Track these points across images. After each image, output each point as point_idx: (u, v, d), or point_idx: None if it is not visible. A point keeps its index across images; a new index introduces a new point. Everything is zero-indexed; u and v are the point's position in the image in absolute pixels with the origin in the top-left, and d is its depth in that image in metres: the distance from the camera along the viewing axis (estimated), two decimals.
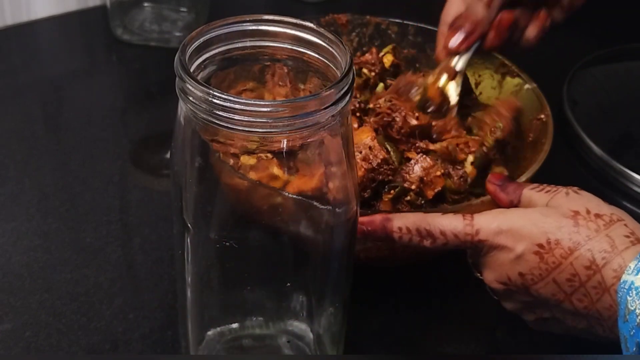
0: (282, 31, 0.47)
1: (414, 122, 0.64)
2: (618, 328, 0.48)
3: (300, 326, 0.56)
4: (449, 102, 0.71)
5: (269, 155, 0.46)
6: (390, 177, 0.62)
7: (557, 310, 0.53)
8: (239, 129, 0.41)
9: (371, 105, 0.67)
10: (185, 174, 0.46)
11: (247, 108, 0.40)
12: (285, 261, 0.51)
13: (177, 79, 0.42)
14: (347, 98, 0.43)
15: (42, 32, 0.98)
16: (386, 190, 0.62)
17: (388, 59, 0.76)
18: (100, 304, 0.63)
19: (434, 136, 0.67)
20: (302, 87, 0.51)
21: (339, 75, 0.43)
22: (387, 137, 0.64)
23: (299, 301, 0.54)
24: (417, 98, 0.70)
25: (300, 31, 0.47)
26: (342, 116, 0.44)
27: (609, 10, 0.94)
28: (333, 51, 0.46)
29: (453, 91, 0.72)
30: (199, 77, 0.44)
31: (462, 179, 0.64)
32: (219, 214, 0.48)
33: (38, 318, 0.61)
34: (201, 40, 0.45)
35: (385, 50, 0.77)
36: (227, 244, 0.48)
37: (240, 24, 0.46)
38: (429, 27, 0.79)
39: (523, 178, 0.61)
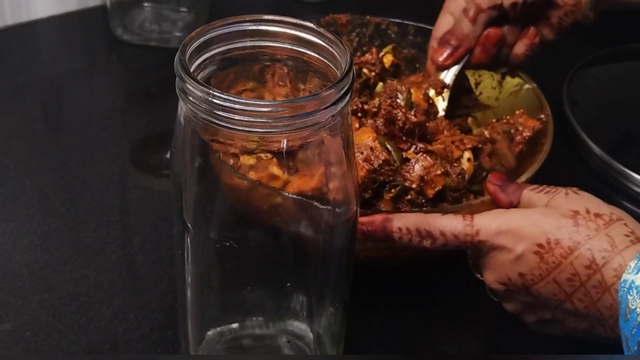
0: (282, 31, 0.47)
1: (413, 118, 0.64)
2: (619, 327, 0.48)
3: (300, 326, 0.56)
4: (435, 111, 0.72)
5: (269, 155, 0.46)
6: (391, 178, 0.62)
7: (558, 311, 0.53)
8: (239, 129, 0.41)
9: (366, 107, 0.68)
10: (185, 174, 0.46)
11: (247, 108, 0.40)
12: (285, 261, 0.51)
13: (177, 79, 0.42)
14: (347, 98, 0.43)
15: (42, 32, 0.98)
16: (387, 189, 0.62)
17: (388, 59, 0.76)
18: (100, 304, 0.63)
19: (428, 136, 0.68)
20: (302, 87, 0.51)
21: (339, 75, 0.43)
22: (388, 135, 0.64)
23: (299, 301, 0.54)
24: (403, 103, 0.70)
25: (300, 31, 0.47)
26: (342, 116, 0.44)
27: (609, 10, 0.94)
28: (333, 51, 0.46)
29: (440, 103, 0.72)
30: (199, 77, 0.44)
31: (460, 176, 0.64)
32: (219, 214, 0.48)
33: (38, 318, 0.61)
34: (201, 40, 0.45)
35: (385, 50, 0.77)
36: (227, 244, 0.48)
37: (240, 24, 0.46)
38: (429, 27, 0.79)
39: (523, 178, 0.61)
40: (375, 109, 0.66)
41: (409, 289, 0.66)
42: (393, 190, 0.62)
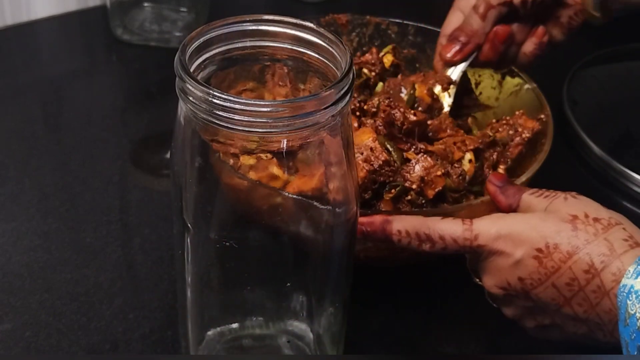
0: (282, 31, 0.47)
1: (412, 117, 0.64)
2: (618, 332, 0.48)
3: (300, 326, 0.56)
4: (440, 106, 0.72)
5: (269, 155, 0.46)
6: (391, 178, 0.62)
7: (557, 316, 0.53)
8: (239, 129, 0.41)
9: (365, 107, 0.68)
10: (185, 174, 0.46)
11: (247, 108, 0.40)
12: (285, 261, 0.51)
13: (177, 79, 0.42)
14: (347, 98, 0.43)
15: (42, 32, 0.98)
16: (387, 189, 0.62)
17: (388, 59, 0.76)
18: (100, 304, 0.63)
19: (430, 134, 0.68)
20: (302, 87, 0.51)
21: (339, 75, 0.43)
22: (389, 135, 0.64)
23: (299, 301, 0.54)
24: (406, 97, 0.70)
25: (300, 31, 0.47)
26: (342, 116, 0.44)
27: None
28: (333, 51, 0.46)
29: (446, 99, 0.72)
30: (199, 77, 0.44)
31: (460, 177, 0.64)
32: (219, 214, 0.48)
33: (38, 318, 0.61)
34: (201, 40, 0.45)
35: (385, 50, 0.77)
36: (227, 244, 0.48)
37: (240, 24, 0.46)
38: (429, 27, 0.79)
39: (523, 178, 0.61)
40: (374, 109, 0.66)
41: (409, 290, 0.66)
42: (393, 191, 0.61)
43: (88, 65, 0.95)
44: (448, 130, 0.68)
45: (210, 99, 0.41)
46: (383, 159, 0.61)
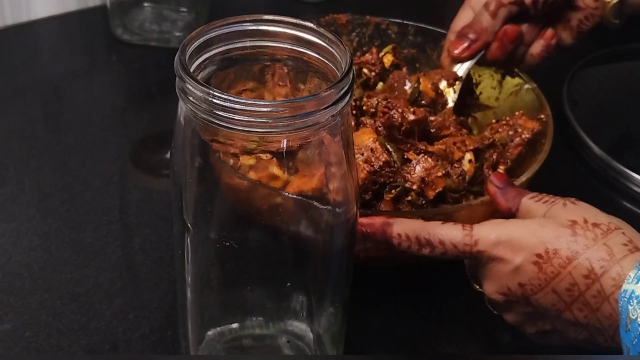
0: (282, 31, 0.47)
1: (411, 116, 0.64)
2: (619, 337, 0.48)
3: (300, 326, 0.56)
4: (444, 102, 0.72)
5: (268, 155, 0.46)
6: (391, 179, 0.62)
7: (558, 322, 0.53)
8: (239, 129, 0.41)
9: (364, 108, 0.67)
10: (185, 174, 0.46)
11: (247, 108, 0.40)
12: (285, 261, 0.51)
13: (177, 79, 0.42)
14: (347, 98, 0.43)
15: (42, 32, 0.98)
16: (387, 189, 0.62)
17: (388, 59, 0.76)
18: (100, 304, 0.63)
19: (433, 130, 0.68)
20: (302, 87, 0.51)
21: (339, 75, 0.43)
22: (389, 137, 0.64)
23: (299, 301, 0.54)
24: (409, 91, 0.70)
25: (300, 31, 0.47)
26: (342, 116, 0.44)
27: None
28: (333, 51, 0.46)
29: (451, 95, 0.72)
30: (199, 77, 0.44)
31: (460, 177, 0.64)
32: (219, 214, 0.48)
33: (38, 318, 0.61)
34: (201, 40, 0.45)
35: (385, 50, 0.77)
36: (227, 244, 0.48)
37: (240, 24, 0.46)
38: (429, 27, 0.79)
39: (523, 178, 0.61)
40: (373, 110, 0.66)
41: (409, 290, 0.66)
42: (393, 191, 0.61)
43: (88, 65, 0.95)
44: (451, 128, 0.68)
45: (210, 99, 0.41)
46: (383, 159, 0.61)
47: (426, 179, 0.62)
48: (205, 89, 0.41)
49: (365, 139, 0.61)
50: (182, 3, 0.97)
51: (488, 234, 0.53)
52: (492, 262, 0.53)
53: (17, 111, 0.84)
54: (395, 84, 0.72)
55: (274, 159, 0.47)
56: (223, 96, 0.40)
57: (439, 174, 0.62)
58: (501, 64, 0.74)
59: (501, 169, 0.68)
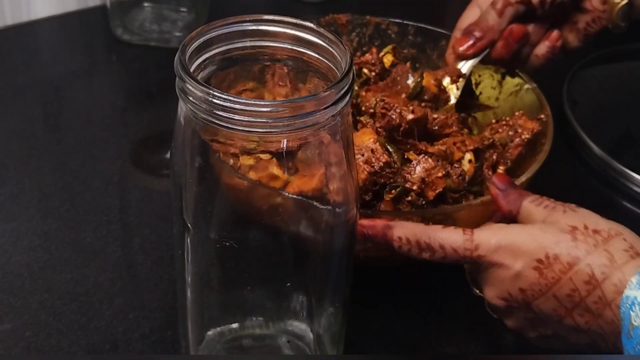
0: (282, 31, 0.47)
1: (410, 116, 0.64)
2: (621, 343, 0.48)
3: (300, 326, 0.56)
4: (446, 98, 0.71)
5: (268, 155, 0.46)
6: (391, 180, 0.62)
7: (559, 327, 0.53)
8: (239, 129, 0.41)
9: (363, 108, 0.67)
10: (185, 174, 0.46)
11: (247, 108, 0.40)
12: (285, 261, 0.51)
13: (177, 79, 0.42)
14: (347, 98, 0.43)
15: (42, 32, 0.98)
16: (387, 190, 0.62)
17: (388, 59, 0.76)
18: (100, 304, 0.63)
19: (435, 128, 0.67)
20: (302, 87, 0.51)
21: (339, 76, 0.43)
22: (389, 138, 0.64)
23: (299, 301, 0.54)
24: (412, 85, 0.70)
25: (300, 31, 0.47)
26: (342, 116, 0.44)
27: None
28: (333, 51, 0.46)
29: (454, 92, 0.72)
30: (199, 77, 0.44)
31: (460, 177, 0.64)
32: (219, 214, 0.48)
33: (38, 318, 0.61)
34: (201, 40, 0.45)
35: (385, 50, 0.77)
36: (227, 244, 0.48)
37: (240, 24, 0.46)
38: (429, 27, 0.79)
39: (523, 178, 0.61)
40: (372, 110, 0.66)
41: (409, 290, 0.66)
42: (393, 191, 0.61)
43: (88, 65, 0.95)
44: (454, 127, 0.68)
45: (210, 99, 0.41)
46: (384, 160, 0.61)
47: (426, 179, 0.62)
48: (205, 89, 0.41)
49: (366, 139, 0.61)
50: (182, 3, 0.97)
51: (488, 238, 0.53)
52: (492, 267, 0.53)
53: (17, 111, 0.84)
54: (398, 78, 0.72)
55: (274, 159, 0.47)
56: (223, 96, 0.40)
57: (439, 174, 0.62)
58: (505, 64, 0.74)
59: (501, 169, 0.68)
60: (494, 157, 0.67)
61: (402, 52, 0.79)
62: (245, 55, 0.47)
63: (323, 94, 0.42)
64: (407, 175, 0.62)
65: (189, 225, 0.48)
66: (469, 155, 0.65)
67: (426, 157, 0.63)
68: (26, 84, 0.89)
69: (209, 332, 0.56)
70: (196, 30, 0.45)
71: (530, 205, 0.55)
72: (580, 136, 0.83)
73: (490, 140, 0.68)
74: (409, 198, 0.62)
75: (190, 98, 0.42)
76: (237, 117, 0.41)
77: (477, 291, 0.57)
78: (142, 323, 0.61)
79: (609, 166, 0.80)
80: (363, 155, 0.61)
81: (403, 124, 0.64)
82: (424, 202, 0.62)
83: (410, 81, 0.71)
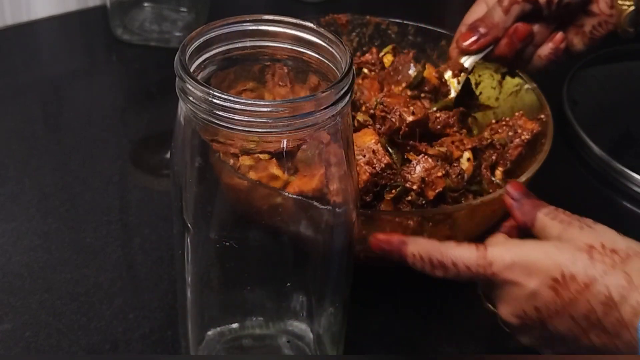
0: (282, 31, 0.47)
1: (410, 118, 0.64)
2: None
3: (300, 326, 0.56)
4: (447, 91, 0.71)
5: (267, 155, 0.46)
6: (392, 181, 0.62)
7: (575, 346, 0.52)
8: (239, 129, 0.41)
9: (363, 108, 0.67)
10: (185, 174, 0.46)
11: (247, 108, 0.40)
12: (285, 261, 0.51)
13: (177, 79, 0.42)
14: (347, 98, 0.43)
15: (42, 32, 0.98)
16: (387, 189, 0.62)
17: (388, 59, 0.76)
18: (100, 304, 0.63)
19: (438, 127, 0.67)
20: (302, 87, 0.51)
21: (339, 75, 0.43)
22: (390, 142, 0.64)
23: (299, 301, 0.54)
24: (414, 75, 0.70)
25: (300, 31, 0.47)
26: (342, 116, 0.44)
27: None
28: (333, 51, 0.46)
29: (455, 86, 0.72)
30: (199, 77, 0.44)
31: (459, 176, 0.64)
32: (219, 214, 0.48)
33: (38, 318, 0.61)
34: (201, 40, 0.45)
35: (385, 50, 0.77)
36: (227, 244, 0.48)
37: (240, 24, 0.46)
38: (429, 27, 0.79)
39: (523, 178, 0.61)
40: (372, 111, 0.66)
41: (409, 289, 0.66)
42: (394, 191, 0.61)
43: (88, 65, 0.95)
44: (455, 127, 0.68)
45: (210, 99, 0.41)
46: (386, 162, 0.60)
47: (426, 179, 0.62)
48: (205, 89, 0.41)
49: (367, 140, 0.61)
50: (182, 3, 0.97)
51: (502, 255, 0.52)
52: (506, 285, 0.52)
53: (17, 111, 0.84)
54: (400, 67, 0.72)
55: (274, 159, 0.47)
56: (223, 96, 0.40)
57: (439, 173, 0.62)
58: (508, 62, 0.74)
59: (500, 170, 0.68)
60: (494, 157, 0.67)
61: (402, 52, 0.79)
62: (245, 55, 0.47)
63: (323, 94, 0.42)
64: (407, 175, 0.62)
65: (189, 225, 0.48)
66: (467, 154, 0.65)
67: (426, 156, 0.63)
68: (26, 84, 0.89)
69: (209, 332, 0.56)
70: (196, 30, 0.45)
71: (546, 218, 0.54)
72: (580, 136, 0.83)
73: (489, 141, 0.67)
74: (409, 198, 0.62)
75: (190, 98, 0.42)
76: (237, 117, 0.41)
77: (490, 306, 0.56)
78: (142, 323, 0.61)
79: (609, 166, 0.80)
80: (364, 156, 0.60)
81: (403, 127, 0.64)
82: (424, 202, 0.62)
83: (412, 71, 0.70)
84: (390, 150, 0.63)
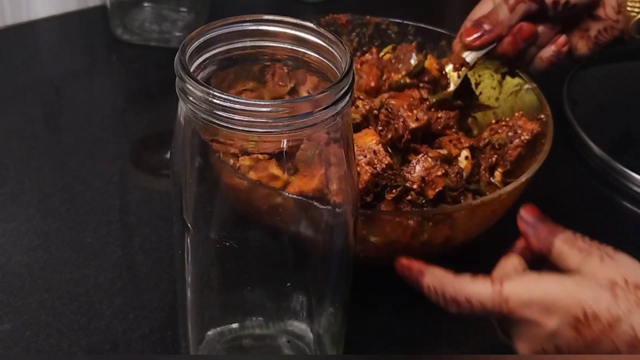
0: (282, 31, 0.47)
1: (413, 124, 0.64)
2: None
3: (300, 326, 0.56)
4: (446, 84, 0.71)
5: (266, 155, 0.46)
6: (392, 181, 0.62)
7: None
8: (239, 129, 0.41)
9: (365, 111, 0.67)
10: (185, 174, 0.46)
11: (247, 108, 0.40)
12: (285, 261, 0.51)
13: (177, 79, 0.42)
14: (347, 98, 0.43)
15: (42, 32, 0.98)
16: (388, 189, 0.62)
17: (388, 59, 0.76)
18: (100, 304, 0.63)
19: (440, 127, 0.67)
20: (302, 87, 0.51)
21: (339, 75, 0.43)
22: (391, 147, 0.64)
23: (299, 301, 0.54)
24: (414, 64, 0.70)
25: (300, 31, 0.47)
26: (342, 116, 0.44)
27: None
28: (333, 51, 0.46)
29: (454, 79, 0.72)
30: (199, 77, 0.44)
31: (458, 175, 0.64)
32: (219, 214, 0.48)
33: (38, 318, 0.61)
34: (201, 40, 0.45)
35: (385, 50, 0.77)
36: (227, 244, 0.48)
37: (240, 24, 0.46)
38: (429, 27, 0.79)
39: (523, 178, 0.61)
40: (376, 111, 0.66)
41: (409, 289, 0.66)
42: (394, 191, 0.61)
43: (88, 65, 0.95)
44: (454, 127, 0.68)
45: (210, 99, 0.41)
46: (387, 162, 0.60)
47: (426, 178, 0.62)
48: (205, 89, 0.41)
49: (368, 140, 0.61)
50: (182, 3, 0.97)
51: (519, 292, 0.50)
52: (525, 323, 0.50)
53: (17, 111, 0.84)
54: (402, 56, 0.72)
55: (274, 159, 0.47)
56: (223, 96, 0.40)
57: (439, 173, 0.62)
58: (509, 61, 0.73)
59: (499, 171, 0.68)
60: (494, 158, 0.67)
61: (408, 39, 0.79)
62: (245, 55, 0.47)
63: (322, 94, 0.42)
64: (407, 174, 0.62)
65: (189, 225, 0.48)
66: (465, 152, 0.65)
67: (425, 156, 0.63)
68: (26, 84, 0.89)
69: (209, 332, 0.56)
70: (196, 30, 0.45)
71: (564, 246, 0.51)
72: (580, 136, 0.83)
73: (487, 141, 0.67)
74: (409, 197, 0.62)
75: (190, 98, 0.42)
76: (237, 117, 0.41)
77: (506, 337, 0.54)
78: (142, 323, 0.61)
79: (609, 166, 0.80)
80: (365, 156, 0.60)
81: (405, 135, 0.64)
82: (424, 201, 0.62)
83: (414, 60, 0.70)
84: (390, 150, 0.63)
